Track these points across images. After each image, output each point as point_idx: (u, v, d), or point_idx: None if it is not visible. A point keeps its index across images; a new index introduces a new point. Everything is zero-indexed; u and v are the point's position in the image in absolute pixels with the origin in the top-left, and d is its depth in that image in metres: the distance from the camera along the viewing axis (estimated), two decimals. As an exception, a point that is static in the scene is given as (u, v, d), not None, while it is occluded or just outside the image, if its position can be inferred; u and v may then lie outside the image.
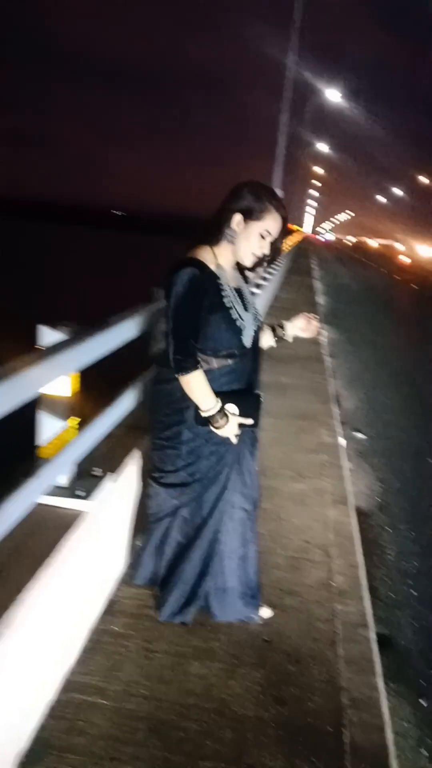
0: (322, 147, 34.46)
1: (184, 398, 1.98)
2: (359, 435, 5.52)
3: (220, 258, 1.97)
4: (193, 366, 1.90)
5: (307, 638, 2.29)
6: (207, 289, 1.90)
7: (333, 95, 22.02)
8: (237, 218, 1.94)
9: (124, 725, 1.81)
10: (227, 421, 1.96)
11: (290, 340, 2.35)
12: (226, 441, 2.03)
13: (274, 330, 2.30)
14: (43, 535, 1.84)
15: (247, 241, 1.96)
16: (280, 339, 2.32)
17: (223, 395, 1.97)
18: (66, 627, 1.97)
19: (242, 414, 1.99)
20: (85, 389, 2.17)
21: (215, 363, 1.97)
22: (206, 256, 1.94)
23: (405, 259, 51.97)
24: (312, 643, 2.27)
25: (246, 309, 2.03)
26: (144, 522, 2.30)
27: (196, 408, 1.97)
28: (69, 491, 2.02)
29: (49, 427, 2.07)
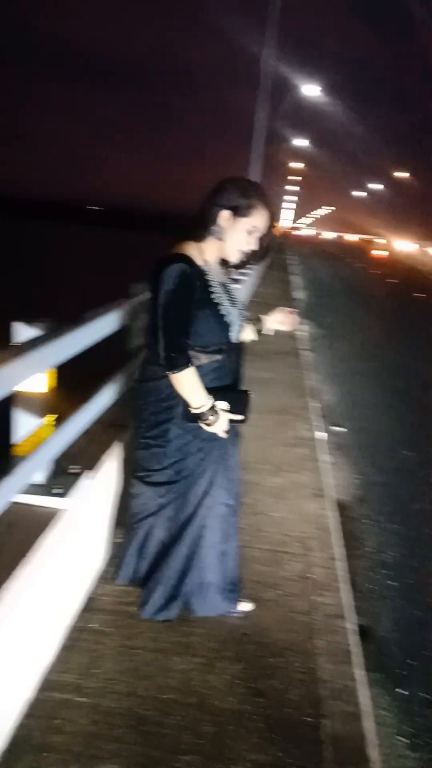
0: (301, 142, 34.54)
1: (172, 395, 1.97)
2: (338, 428, 5.57)
3: (206, 254, 1.96)
4: (185, 363, 1.88)
5: (287, 631, 2.31)
6: (196, 285, 1.89)
7: (311, 90, 22.06)
8: (224, 214, 1.93)
9: (103, 722, 1.81)
10: (218, 417, 1.96)
11: (271, 333, 2.37)
12: (212, 437, 2.04)
13: (254, 324, 2.31)
14: (19, 533, 1.82)
15: (234, 237, 1.95)
16: (260, 333, 2.33)
17: (213, 391, 1.96)
18: (44, 625, 1.95)
19: (231, 410, 2.00)
20: (61, 385, 2.15)
21: (204, 359, 1.96)
22: (193, 251, 1.92)
23: (379, 253, 52.57)
24: (291, 635, 2.29)
25: (233, 304, 2.04)
26: (126, 520, 2.29)
27: (185, 405, 1.97)
28: (46, 489, 2.00)
29: (24, 425, 2.05)
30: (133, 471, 2.20)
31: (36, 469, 1.94)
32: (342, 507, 3.95)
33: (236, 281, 2.12)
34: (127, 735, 1.77)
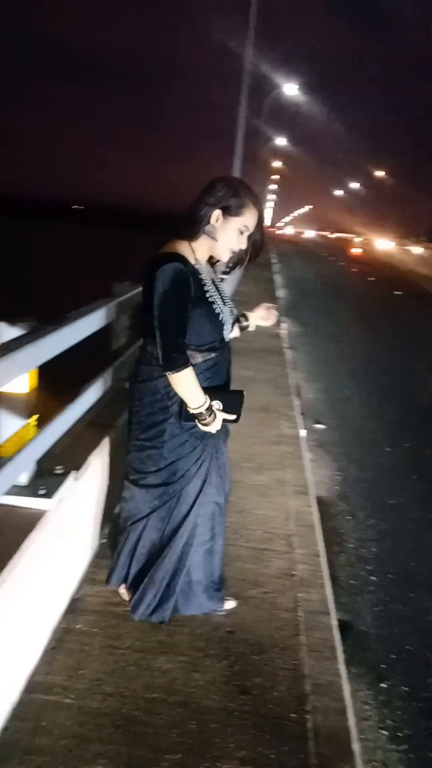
0: (280, 141, 34.59)
1: (168, 395, 1.97)
2: (319, 426, 5.61)
3: (197, 253, 1.97)
4: (184, 363, 1.88)
5: (271, 628, 2.33)
6: (191, 284, 1.89)
7: (290, 89, 22.12)
8: (216, 214, 1.93)
9: (89, 723, 1.81)
10: (214, 417, 1.97)
11: (252, 329, 2.39)
12: (207, 435, 2.05)
13: (237, 321, 2.32)
14: (3, 535, 1.81)
15: (226, 236, 1.96)
16: (243, 329, 2.35)
17: (207, 391, 1.96)
18: (29, 627, 1.95)
19: (225, 410, 2.00)
20: (43, 385, 2.14)
21: (199, 357, 1.96)
22: (185, 251, 1.92)
23: (356, 251, 53.47)
24: (275, 632, 2.31)
25: (224, 302, 2.05)
26: (116, 523, 2.28)
27: (181, 404, 1.96)
28: (30, 490, 1.99)
29: (7, 426, 2.03)
30: (126, 474, 2.19)
31: (20, 471, 1.93)
32: (323, 504, 3.99)
33: (222, 280, 2.13)
34: (114, 735, 1.78)
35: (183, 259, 1.88)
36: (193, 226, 1.94)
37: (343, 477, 4.55)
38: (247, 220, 1.96)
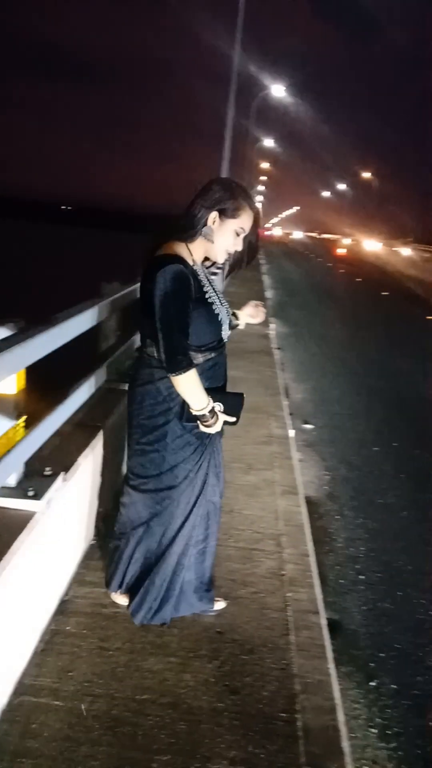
0: (269, 143, 34.70)
1: (169, 397, 1.96)
2: (308, 426, 5.64)
3: (194, 254, 1.96)
4: (188, 364, 1.87)
5: (260, 627, 2.33)
6: (192, 285, 1.89)
7: (278, 90, 22.19)
8: (213, 216, 1.93)
9: (79, 725, 1.80)
10: (216, 419, 1.97)
11: (242, 327, 2.41)
12: (206, 437, 2.05)
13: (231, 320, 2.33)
14: (-9, 537, 1.79)
15: (222, 238, 1.96)
16: (233, 328, 2.36)
17: (209, 392, 1.96)
18: (17, 629, 1.93)
19: (226, 411, 2.00)
20: (31, 386, 2.12)
21: (200, 358, 1.96)
22: (183, 252, 1.92)
23: (341, 251, 54.24)
24: (265, 632, 2.31)
25: (221, 303, 2.05)
26: (114, 528, 2.25)
27: (182, 406, 1.96)
28: (18, 492, 1.98)
29: (-6, 427, 2.02)
30: (126, 480, 2.16)
31: (8, 472, 1.92)
32: (312, 503, 4.01)
33: (214, 274, 2.13)
34: (104, 737, 1.77)
35: (183, 261, 1.88)
36: (190, 228, 1.94)
37: (331, 477, 4.58)
38: (243, 221, 1.97)
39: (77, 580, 2.46)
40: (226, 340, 2.07)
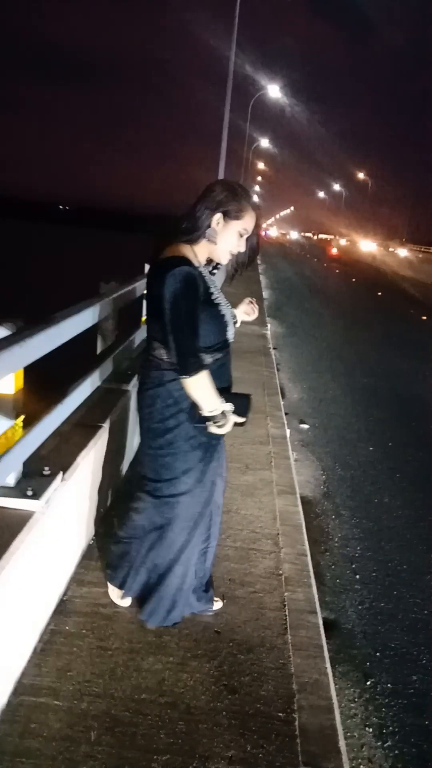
0: (265, 143, 34.76)
1: (180, 399, 1.95)
2: (304, 426, 5.65)
3: (198, 256, 1.96)
4: (200, 366, 1.86)
5: (258, 627, 2.34)
6: (200, 287, 1.88)
7: (274, 91, 22.22)
8: (217, 217, 1.94)
9: (78, 725, 1.81)
10: (227, 420, 1.96)
11: (238, 325, 2.42)
12: (215, 438, 2.05)
13: None
14: (-10, 537, 1.79)
15: (226, 239, 1.97)
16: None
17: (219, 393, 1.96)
18: (16, 629, 1.93)
19: (235, 412, 2.00)
20: (30, 385, 2.12)
21: (209, 358, 1.96)
22: (188, 254, 1.92)
23: (334, 251, 54.79)
24: (262, 631, 2.32)
25: (226, 303, 2.06)
26: (124, 534, 2.22)
27: (192, 408, 1.95)
28: (17, 491, 1.98)
29: (-7, 427, 2.01)
30: (141, 486, 2.12)
31: (7, 472, 1.92)
32: (308, 503, 4.02)
33: (213, 274, 2.14)
34: (103, 737, 1.78)
35: (190, 263, 1.88)
36: (193, 231, 1.93)
37: (327, 476, 4.59)
38: (246, 223, 1.98)
39: (76, 579, 2.46)
40: (231, 340, 2.07)
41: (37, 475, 2.09)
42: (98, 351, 3.45)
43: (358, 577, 3.30)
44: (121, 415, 3.03)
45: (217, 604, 2.40)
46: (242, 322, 2.41)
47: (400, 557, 3.54)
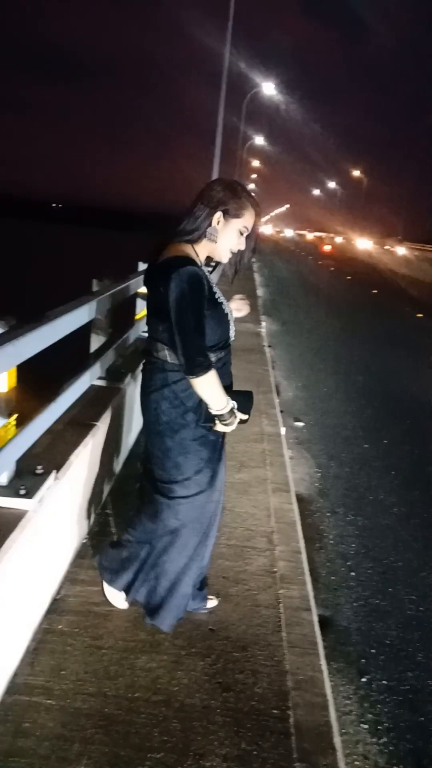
0: (260, 140, 34.78)
1: (186, 399, 1.94)
2: (298, 423, 5.65)
3: (200, 255, 1.95)
4: (208, 365, 1.86)
5: (252, 625, 2.34)
6: (205, 286, 1.87)
7: (269, 89, 22.21)
8: (217, 216, 1.93)
9: (72, 723, 1.80)
10: (234, 418, 1.97)
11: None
12: (220, 435, 2.05)
13: None
14: (-18, 536, 1.78)
15: (226, 238, 1.96)
16: None
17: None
18: (9, 628, 1.92)
19: (239, 410, 2.00)
20: (22, 384, 2.11)
21: (214, 357, 1.95)
22: (190, 253, 1.91)
23: (327, 248, 55.09)
24: (257, 629, 2.32)
25: (226, 302, 2.05)
26: (136, 536, 2.17)
27: (199, 407, 1.95)
28: (10, 490, 1.97)
29: (-14, 425, 2.00)
30: (155, 488, 2.08)
31: (-1, 471, 1.91)
32: (303, 500, 4.02)
33: (210, 272, 2.13)
34: (97, 735, 1.77)
35: (194, 262, 1.86)
36: (194, 230, 1.92)
37: (322, 474, 4.60)
38: (246, 221, 1.97)
39: (70, 578, 2.45)
40: (233, 338, 2.07)
41: (30, 474, 2.08)
42: (92, 349, 3.44)
43: (353, 574, 3.31)
44: (114, 413, 3.02)
45: (212, 602, 2.40)
46: (235, 320, 2.40)
47: (395, 554, 3.55)
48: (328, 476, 4.57)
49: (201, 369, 1.84)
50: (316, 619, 2.46)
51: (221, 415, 1.94)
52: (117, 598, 2.31)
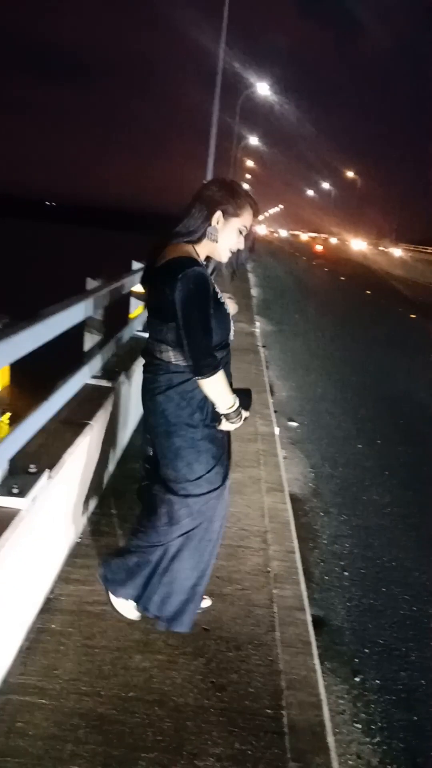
0: (254, 141, 34.83)
1: (193, 400, 1.94)
2: (292, 423, 5.66)
3: (200, 255, 1.95)
4: (216, 365, 1.86)
5: (246, 624, 2.34)
6: (210, 287, 1.87)
7: (263, 89, 22.23)
8: (217, 216, 1.92)
9: (65, 723, 1.79)
10: (240, 416, 1.98)
11: None
12: (225, 433, 2.06)
13: None
14: (-25, 535, 1.77)
15: (226, 237, 1.96)
16: None
17: None
18: (2, 627, 1.91)
19: (241, 407, 2.01)
20: (15, 382, 2.11)
21: (218, 356, 1.95)
22: (193, 254, 1.90)
23: (319, 248, 55.56)
24: (251, 628, 2.32)
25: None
26: (147, 541, 2.11)
27: (204, 406, 1.95)
28: (3, 489, 1.96)
29: (-21, 424, 1.99)
30: (168, 490, 2.05)
31: (-8, 469, 1.90)
32: (297, 500, 4.03)
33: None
34: (90, 735, 1.76)
35: (199, 263, 1.86)
36: (194, 231, 1.92)
37: (316, 474, 4.60)
38: (245, 219, 1.97)
39: (63, 577, 2.44)
40: (232, 338, 2.07)
41: (23, 473, 2.07)
42: (86, 348, 3.43)
43: (346, 573, 3.31)
44: (109, 412, 3.01)
45: (206, 602, 2.39)
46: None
47: (388, 554, 3.55)
48: (322, 476, 4.58)
49: (209, 369, 1.85)
50: (309, 618, 2.46)
51: (228, 414, 1.95)
52: (126, 608, 2.25)
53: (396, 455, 5.21)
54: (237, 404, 1.96)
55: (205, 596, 2.40)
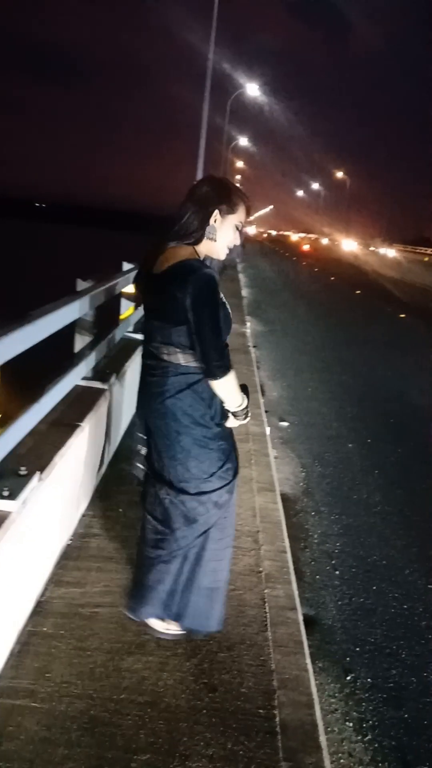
0: (244, 141, 34.88)
1: (203, 400, 1.94)
2: (283, 423, 5.67)
3: (201, 256, 1.93)
4: (228, 367, 1.90)
5: (238, 624, 2.34)
6: (218, 289, 1.88)
7: (253, 89, 22.26)
8: (215, 214, 1.92)
9: (56, 726, 1.79)
10: (247, 414, 2.03)
11: None
12: (231, 430, 2.08)
13: None
14: (-35, 538, 1.76)
15: (224, 235, 1.96)
16: None
17: None
18: (-8, 631, 1.91)
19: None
20: (4, 384, 2.09)
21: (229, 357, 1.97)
22: (196, 256, 1.90)
23: (306, 247, 56.00)
24: (243, 629, 2.32)
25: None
26: (159, 552, 2.08)
27: (213, 405, 1.96)
28: (-7, 491, 1.95)
29: (-32, 426, 1.98)
30: (179, 491, 2.02)
31: (-18, 472, 1.89)
32: (288, 500, 4.04)
33: None
34: (82, 738, 1.76)
35: (206, 266, 1.86)
36: (193, 231, 1.90)
37: (306, 473, 4.61)
38: (240, 215, 1.98)
39: (54, 580, 2.43)
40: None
41: (13, 475, 2.06)
42: (76, 349, 3.41)
43: (337, 573, 3.32)
44: (99, 413, 3.00)
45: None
46: None
47: (379, 553, 3.57)
48: (313, 475, 4.59)
49: (222, 370, 1.88)
50: (301, 618, 2.47)
51: (236, 412, 1.99)
52: (159, 625, 2.22)
53: (386, 454, 5.24)
54: (246, 403, 2.01)
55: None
